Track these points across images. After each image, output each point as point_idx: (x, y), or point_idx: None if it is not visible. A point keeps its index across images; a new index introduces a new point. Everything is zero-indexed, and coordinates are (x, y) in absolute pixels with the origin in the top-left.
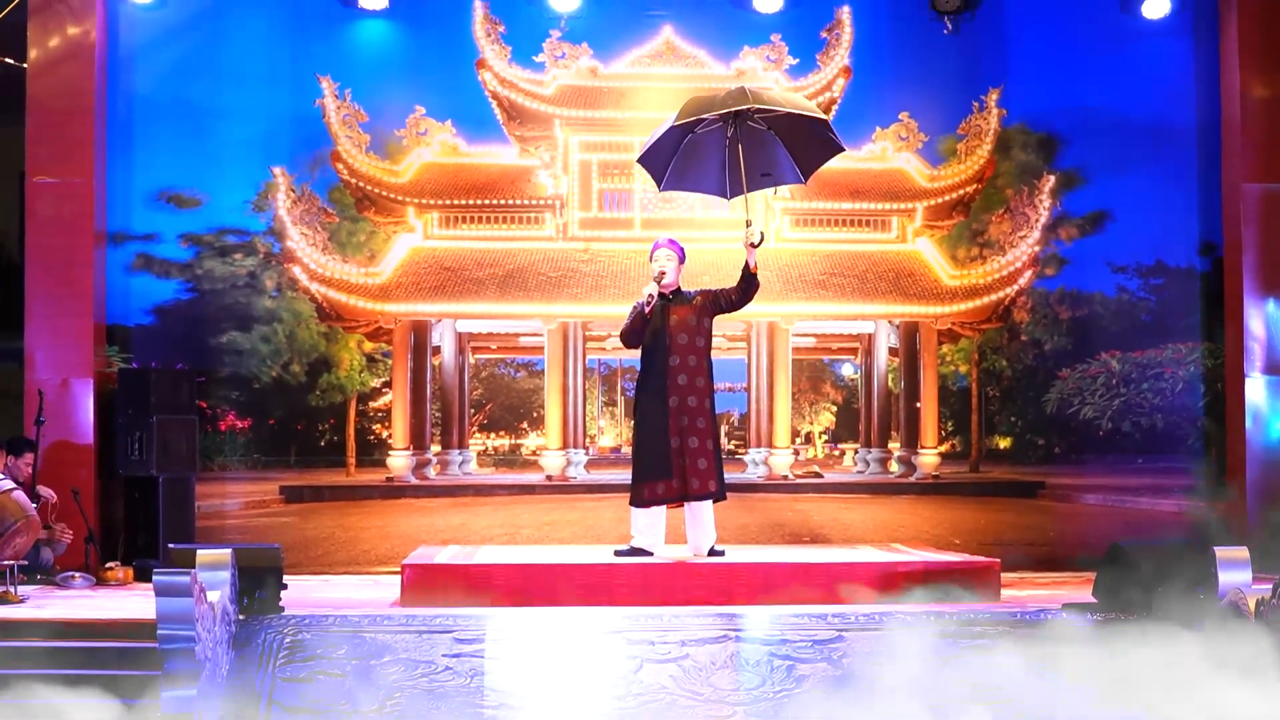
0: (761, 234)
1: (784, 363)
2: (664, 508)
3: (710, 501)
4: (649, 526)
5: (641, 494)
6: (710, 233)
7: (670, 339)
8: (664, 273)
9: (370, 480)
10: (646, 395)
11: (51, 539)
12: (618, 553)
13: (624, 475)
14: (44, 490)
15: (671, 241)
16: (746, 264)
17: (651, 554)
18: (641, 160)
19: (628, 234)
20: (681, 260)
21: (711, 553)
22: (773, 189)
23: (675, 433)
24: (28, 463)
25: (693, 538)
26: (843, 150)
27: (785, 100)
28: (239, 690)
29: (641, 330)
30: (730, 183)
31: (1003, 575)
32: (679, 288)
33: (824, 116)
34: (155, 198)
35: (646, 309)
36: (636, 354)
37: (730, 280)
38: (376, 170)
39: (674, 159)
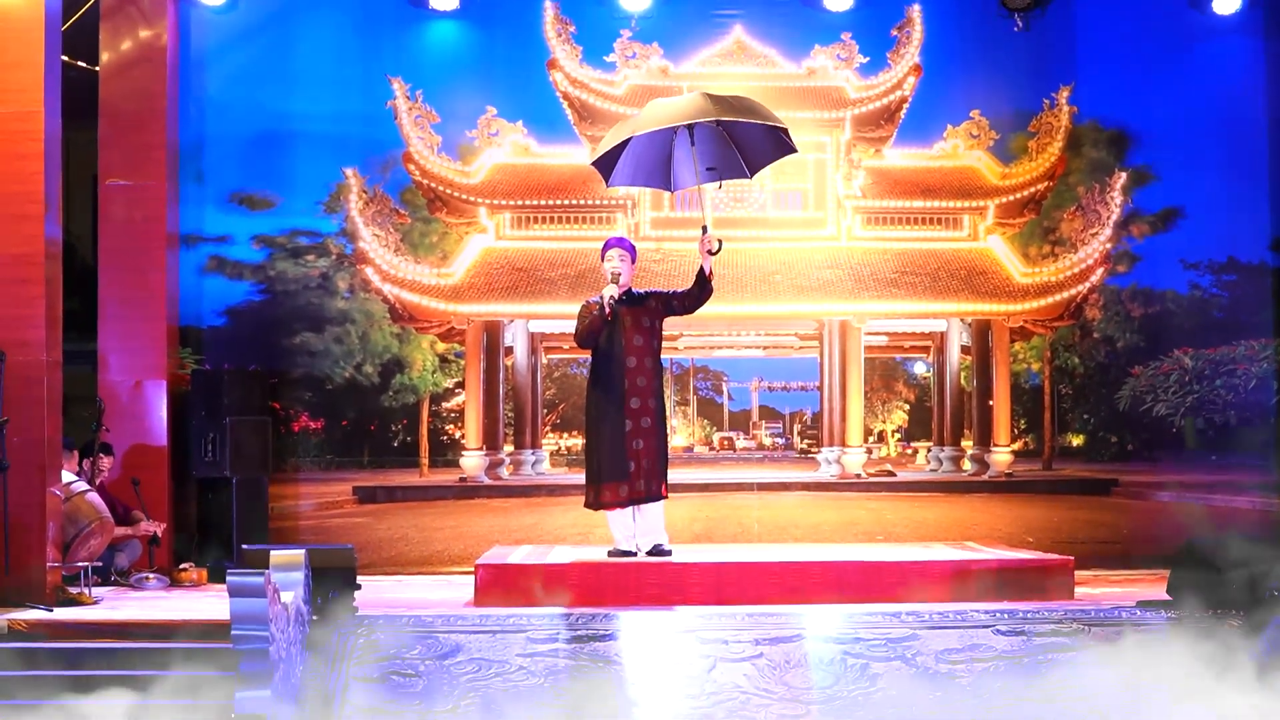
0: (720, 241)
1: (856, 361)
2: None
3: (660, 502)
4: (625, 528)
5: (601, 496)
6: (782, 231)
7: (626, 340)
8: (619, 273)
9: (443, 480)
10: (602, 397)
11: (133, 536)
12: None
13: (695, 475)
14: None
15: (623, 240)
16: (701, 269)
17: (635, 554)
18: (594, 163)
19: (699, 234)
20: (633, 260)
21: (658, 551)
22: (716, 183)
23: (633, 434)
24: (104, 465)
25: (641, 537)
26: (795, 152)
27: (744, 108)
28: (313, 691)
29: (599, 331)
30: (676, 176)
31: (1076, 573)
32: (630, 288)
33: (782, 124)
34: (227, 200)
35: (608, 310)
36: (708, 354)
37: (804, 279)
38: (448, 171)
39: (622, 154)
